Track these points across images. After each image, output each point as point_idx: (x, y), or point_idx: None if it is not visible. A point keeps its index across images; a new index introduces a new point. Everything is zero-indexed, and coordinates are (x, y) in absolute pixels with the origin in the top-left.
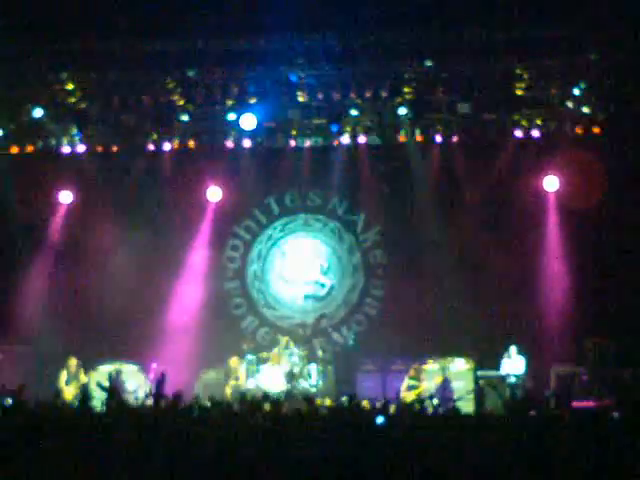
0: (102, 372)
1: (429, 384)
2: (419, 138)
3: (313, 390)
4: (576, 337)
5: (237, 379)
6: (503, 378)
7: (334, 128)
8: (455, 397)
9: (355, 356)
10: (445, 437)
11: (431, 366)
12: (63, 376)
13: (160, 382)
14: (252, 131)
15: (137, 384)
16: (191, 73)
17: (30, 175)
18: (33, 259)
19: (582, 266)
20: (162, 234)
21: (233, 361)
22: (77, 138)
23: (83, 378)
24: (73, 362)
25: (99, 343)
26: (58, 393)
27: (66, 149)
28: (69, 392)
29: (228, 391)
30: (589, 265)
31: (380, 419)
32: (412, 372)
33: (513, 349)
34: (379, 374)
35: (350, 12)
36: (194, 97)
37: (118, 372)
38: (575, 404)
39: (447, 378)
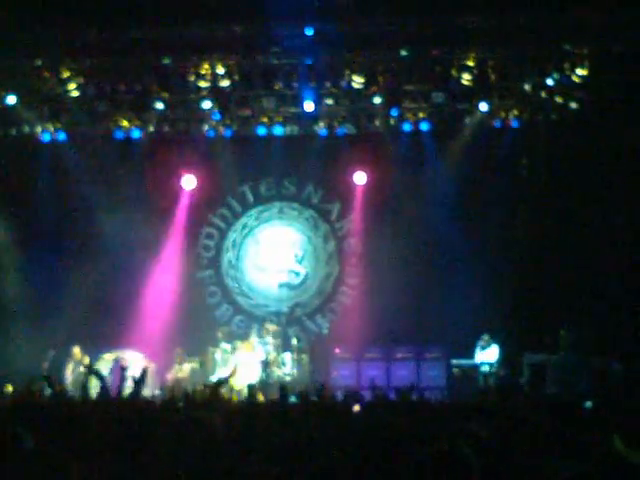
0: (106, 360)
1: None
2: (393, 127)
3: (287, 378)
4: (549, 325)
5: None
6: (476, 367)
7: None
8: None
9: (330, 344)
10: (413, 423)
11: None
12: (70, 366)
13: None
14: (228, 119)
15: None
16: (166, 61)
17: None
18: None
19: (555, 254)
20: (137, 222)
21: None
22: (50, 125)
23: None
24: (77, 351)
25: (82, 331)
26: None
27: (45, 137)
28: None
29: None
30: (562, 253)
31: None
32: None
33: (486, 338)
34: (353, 362)
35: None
36: (169, 85)
37: (118, 360)
38: (547, 392)
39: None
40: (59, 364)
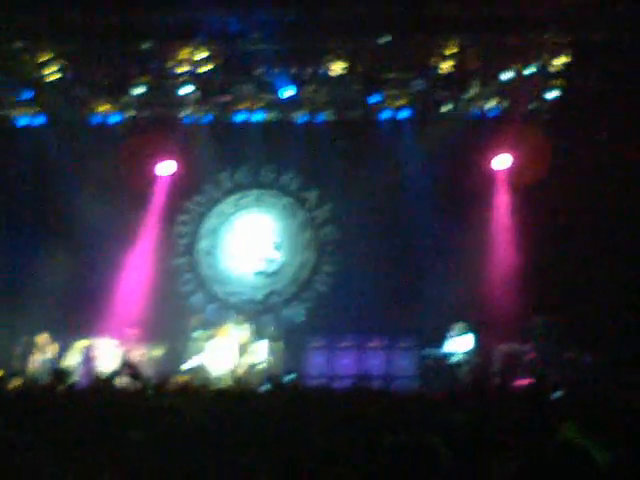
0: (78, 348)
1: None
2: (373, 114)
3: (262, 366)
4: (523, 315)
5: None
6: (448, 356)
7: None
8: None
9: (304, 332)
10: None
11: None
12: (36, 353)
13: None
14: (207, 105)
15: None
16: (145, 46)
17: None
18: None
19: (530, 244)
20: (113, 208)
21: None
22: (29, 108)
23: (53, 352)
24: (43, 338)
25: (55, 317)
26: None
27: (23, 120)
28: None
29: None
30: (537, 244)
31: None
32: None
33: (459, 327)
34: (327, 351)
35: None
36: (148, 70)
37: (89, 347)
38: (519, 382)
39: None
40: (29, 351)
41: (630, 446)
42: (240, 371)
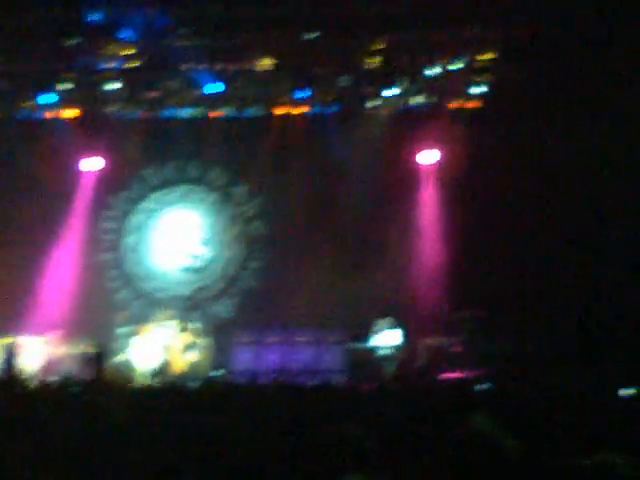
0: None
1: None
2: (298, 110)
3: (189, 363)
4: (449, 309)
5: None
6: (376, 350)
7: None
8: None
9: (232, 328)
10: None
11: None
12: None
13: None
14: (134, 100)
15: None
16: (72, 42)
17: None
18: None
19: (455, 239)
20: (36, 204)
21: None
22: None
23: None
24: None
25: None
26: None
27: None
28: None
29: None
30: (462, 238)
31: None
32: None
33: (386, 321)
34: (256, 346)
35: None
36: (74, 66)
37: (12, 344)
38: (444, 375)
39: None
40: None
41: (541, 435)
42: (175, 367)
